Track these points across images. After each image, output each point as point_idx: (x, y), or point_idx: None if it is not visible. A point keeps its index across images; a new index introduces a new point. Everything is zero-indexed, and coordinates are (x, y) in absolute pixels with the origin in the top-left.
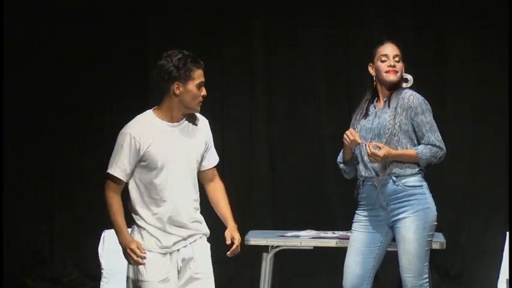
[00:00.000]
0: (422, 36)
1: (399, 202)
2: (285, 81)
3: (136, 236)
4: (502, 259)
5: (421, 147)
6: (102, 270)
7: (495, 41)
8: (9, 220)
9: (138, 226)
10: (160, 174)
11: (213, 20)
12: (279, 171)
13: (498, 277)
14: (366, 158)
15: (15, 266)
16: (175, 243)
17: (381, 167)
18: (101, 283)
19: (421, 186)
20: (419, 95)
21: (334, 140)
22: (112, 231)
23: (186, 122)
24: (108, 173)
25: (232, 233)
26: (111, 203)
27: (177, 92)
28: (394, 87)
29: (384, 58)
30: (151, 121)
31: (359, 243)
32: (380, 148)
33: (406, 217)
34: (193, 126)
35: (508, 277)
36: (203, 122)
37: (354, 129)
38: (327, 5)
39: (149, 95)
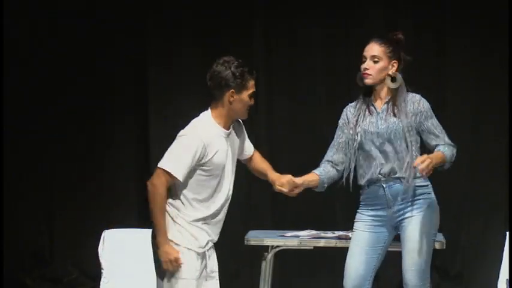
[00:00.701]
0: (422, 36)
1: (406, 202)
2: (285, 81)
3: (176, 234)
4: (502, 259)
5: (442, 148)
6: (102, 270)
7: (495, 41)
8: (9, 220)
9: (178, 224)
10: (216, 179)
11: (213, 20)
12: (279, 171)
13: (498, 277)
14: (377, 161)
15: (15, 266)
16: (207, 243)
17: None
18: (101, 283)
19: (427, 185)
20: (424, 99)
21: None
22: (112, 231)
23: (232, 128)
24: (165, 170)
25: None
26: (158, 198)
27: (231, 99)
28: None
29: (363, 59)
30: (214, 128)
31: (363, 243)
32: (423, 160)
33: (413, 216)
34: (237, 131)
35: (508, 277)
36: (240, 124)
37: (353, 132)
38: (327, 5)
39: (149, 94)
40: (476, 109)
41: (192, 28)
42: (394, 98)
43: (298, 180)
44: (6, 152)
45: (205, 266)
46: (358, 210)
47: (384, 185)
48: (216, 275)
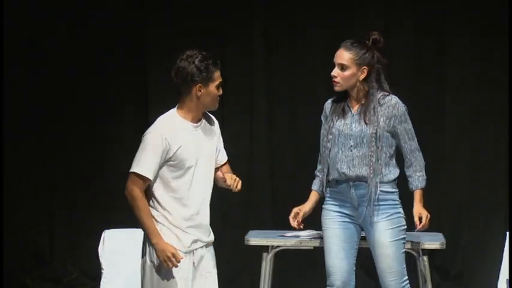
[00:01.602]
0: (422, 36)
1: (372, 206)
2: (285, 81)
3: None
4: (502, 259)
5: (414, 180)
6: (102, 270)
7: (495, 41)
8: (9, 220)
9: (160, 223)
10: (186, 174)
11: (213, 20)
12: (279, 171)
13: (498, 277)
14: (343, 164)
15: (15, 266)
16: (193, 243)
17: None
18: (101, 283)
19: (393, 192)
20: (401, 102)
21: None
22: (112, 231)
23: (204, 121)
24: (135, 172)
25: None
26: (138, 203)
27: (199, 94)
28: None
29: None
30: (178, 122)
31: (338, 240)
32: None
33: (378, 221)
34: (209, 125)
35: (508, 277)
36: (215, 121)
37: (329, 132)
38: (327, 5)
39: (149, 94)
40: (476, 109)
41: (192, 28)
42: (367, 103)
43: (307, 209)
44: (6, 152)
45: (195, 266)
46: (324, 206)
47: (351, 184)
48: (211, 275)
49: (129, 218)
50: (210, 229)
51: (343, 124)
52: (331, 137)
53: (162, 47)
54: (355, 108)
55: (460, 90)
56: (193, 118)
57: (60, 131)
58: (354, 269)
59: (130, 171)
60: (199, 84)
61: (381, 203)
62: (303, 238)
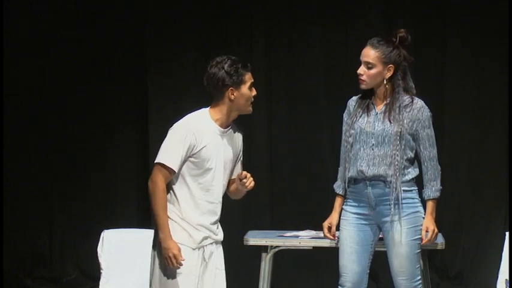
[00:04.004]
0: (422, 36)
1: (388, 204)
2: (285, 81)
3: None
4: (501, 259)
5: (428, 184)
6: (101, 271)
7: (495, 41)
8: (9, 220)
9: (171, 219)
10: (206, 175)
11: (213, 20)
12: (279, 171)
13: (497, 277)
14: (363, 162)
15: (15, 266)
16: (203, 240)
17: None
18: (100, 283)
19: (411, 190)
20: (426, 107)
21: (333, 140)
22: (111, 231)
23: (231, 130)
24: (161, 163)
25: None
26: (159, 195)
27: (232, 97)
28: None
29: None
30: (208, 122)
31: (351, 242)
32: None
33: (395, 220)
34: (235, 136)
35: (507, 277)
36: (241, 134)
37: (351, 127)
38: (327, 5)
39: (149, 94)
40: (477, 109)
41: (192, 28)
42: (392, 102)
43: (335, 219)
44: (6, 152)
45: (206, 261)
46: (343, 207)
47: (368, 184)
48: (220, 273)
49: (128, 218)
50: (221, 228)
51: (366, 122)
52: (353, 131)
53: (162, 47)
54: (380, 107)
55: (460, 90)
56: (222, 123)
57: (60, 131)
58: (368, 271)
59: (156, 161)
60: (231, 88)
61: (399, 202)
62: (302, 238)
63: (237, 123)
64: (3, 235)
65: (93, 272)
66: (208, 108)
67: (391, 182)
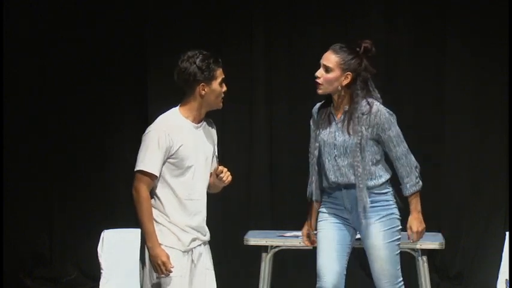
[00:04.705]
0: (422, 36)
1: (364, 208)
2: (284, 81)
3: (157, 233)
4: (501, 259)
5: (402, 182)
6: (101, 270)
7: (495, 41)
8: (9, 220)
9: (159, 223)
10: (187, 173)
11: (213, 20)
12: (279, 171)
13: (497, 277)
14: (331, 174)
15: (15, 266)
16: (191, 242)
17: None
18: (100, 283)
19: (386, 193)
20: (384, 108)
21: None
22: (111, 231)
23: (205, 123)
24: (141, 170)
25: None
26: (144, 204)
27: (203, 92)
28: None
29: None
30: (180, 121)
31: (331, 241)
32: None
33: (371, 224)
34: (209, 129)
35: (507, 277)
36: (214, 126)
37: (316, 140)
38: (327, 5)
39: (149, 94)
40: (476, 109)
41: (192, 28)
42: (351, 112)
43: (313, 224)
44: (6, 152)
45: (195, 263)
46: (320, 210)
47: (343, 190)
48: (209, 273)
49: (128, 218)
50: (207, 228)
51: (328, 133)
52: (317, 145)
53: (162, 47)
54: (339, 116)
55: (460, 90)
56: (194, 118)
57: (60, 131)
58: (345, 273)
59: (136, 169)
60: (203, 83)
61: (372, 205)
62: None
63: (209, 117)
64: (3, 235)
65: (93, 272)
66: (177, 107)
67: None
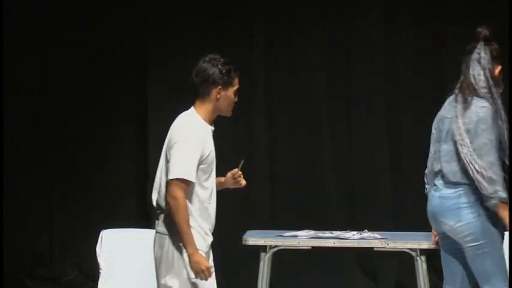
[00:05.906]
0: (422, 36)
1: None
2: (284, 81)
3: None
4: None
5: None
6: (100, 270)
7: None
8: (9, 220)
9: (192, 228)
10: (209, 178)
11: (213, 20)
12: (278, 171)
13: None
14: None
15: (15, 266)
16: (210, 244)
17: None
18: (99, 283)
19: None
20: None
21: (333, 140)
22: (110, 231)
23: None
24: (179, 178)
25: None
26: (183, 211)
27: (218, 96)
28: None
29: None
30: (205, 125)
31: None
32: None
33: None
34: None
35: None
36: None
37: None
38: (327, 5)
39: (149, 94)
40: None
41: (192, 28)
42: None
43: None
44: (6, 152)
45: None
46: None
47: None
48: (213, 272)
49: (128, 218)
50: None
51: None
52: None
53: (162, 47)
54: None
55: None
56: (210, 120)
57: (60, 131)
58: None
59: (173, 177)
60: (220, 87)
61: None
62: (301, 238)
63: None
64: (3, 235)
65: (92, 271)
66: (193, 109)
67: None
